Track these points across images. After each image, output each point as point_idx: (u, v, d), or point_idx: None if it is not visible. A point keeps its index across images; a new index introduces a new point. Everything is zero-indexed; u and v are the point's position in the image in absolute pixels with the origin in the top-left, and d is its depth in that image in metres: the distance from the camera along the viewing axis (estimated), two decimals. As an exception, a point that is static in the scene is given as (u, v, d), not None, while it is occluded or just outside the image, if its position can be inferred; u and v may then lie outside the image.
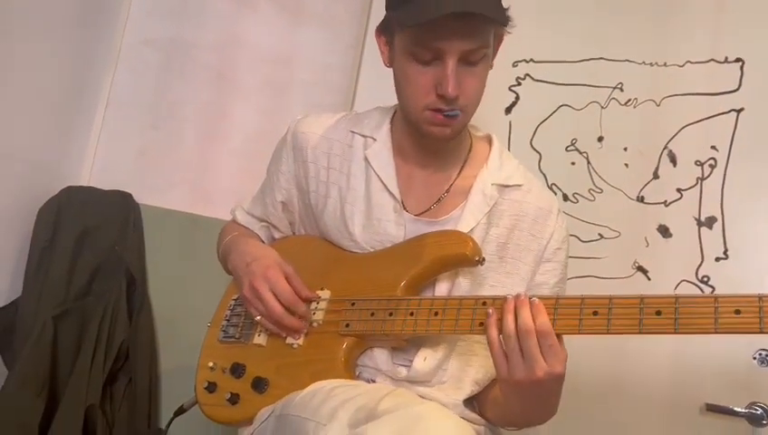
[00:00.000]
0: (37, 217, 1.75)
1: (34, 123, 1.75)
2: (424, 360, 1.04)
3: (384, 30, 1.09)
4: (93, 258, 1.76)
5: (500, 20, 0.99)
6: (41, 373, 1.59)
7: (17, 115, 1.68)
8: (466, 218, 1.08)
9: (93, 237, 1.77)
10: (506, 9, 1.01)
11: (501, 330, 0.92)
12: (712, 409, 1.49)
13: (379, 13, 1.83)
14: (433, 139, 1.07)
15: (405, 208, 1.11)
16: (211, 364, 1.15)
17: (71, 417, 1.58)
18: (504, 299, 0.94)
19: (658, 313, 0.86)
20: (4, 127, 1.64)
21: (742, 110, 1.59)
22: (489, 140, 1.19)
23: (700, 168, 1.61)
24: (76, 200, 1.80)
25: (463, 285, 1.07)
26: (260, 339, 1.12)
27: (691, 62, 1.64)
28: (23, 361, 1.59)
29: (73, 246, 1.73)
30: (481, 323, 0.95)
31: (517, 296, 0.93)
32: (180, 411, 1.25)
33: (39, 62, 1.72)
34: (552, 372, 0.89)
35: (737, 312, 0.82)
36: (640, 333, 0.86)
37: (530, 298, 0.92)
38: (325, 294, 1.11)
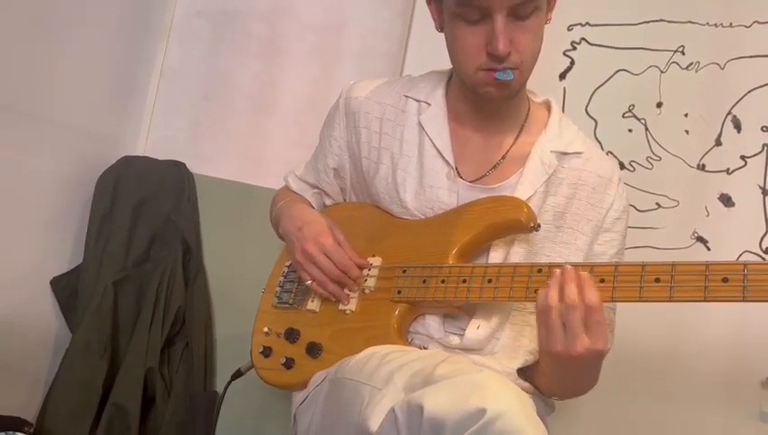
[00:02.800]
0: (96, 185, 1.81)
1: (92, 95, 1.80)
2: (477, 328, 1.04)
3: None
4: (150, 226, 1.80)
5: None
6: (103, 337, 1.65)
7: (75, 88, 1.72)
8: (523, 186, 1.06)
9: (150, 206, 1.81)
10: None
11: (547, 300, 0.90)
12: (773, 383, 1.44)
13: (429, -22, 1.82)
14: (489, 99, 1.04)
15: (459, 175, 1.10)
16: (266, 329, 1.17)
17: (132, 379, 1.64)
18: (552, 272, 0.91)
19: (725, 280, 0.82)
20: (64, 99, 1.69)
21: (813, 72, 1.51)
22: (548, 106, 1.16)
23: (767, 134, 1.53)
24: (133, 170, 1.85)
25: (518, 254, 1.05)
26: (313, 305, 1.13)
27: (759, 23, 1.56)
28: (85, 324, 1.65)
29: (131, 214, 1.78)
30: (536, 291, 0.93)
31: (565, 268, 0.90)
32: (237, 375, 1.28)
33: (94, 36, 1.75)
34: (594, 348, 0.87)
35: (810, 277, 0.78)
36: (705, 300, 0.83)
37: (578, 270, 0.89)
38: (377, 261, 1.11)
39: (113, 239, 1.75)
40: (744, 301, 0.81)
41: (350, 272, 1.09)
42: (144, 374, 1.65)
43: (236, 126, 1.92)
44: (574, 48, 1.68)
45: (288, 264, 1.22)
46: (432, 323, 1.06)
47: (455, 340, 1.05)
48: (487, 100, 1.05)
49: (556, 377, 0.99)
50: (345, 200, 1.25)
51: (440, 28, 1.08)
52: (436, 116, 1.12)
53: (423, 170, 1.10)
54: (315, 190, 1.28)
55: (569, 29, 1.68)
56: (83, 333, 1.66)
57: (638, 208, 1.58)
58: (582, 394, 1.06)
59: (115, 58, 1.85)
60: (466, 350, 1.04)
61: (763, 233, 1.51)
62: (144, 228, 1.79)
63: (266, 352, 1.15)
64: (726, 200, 1.55)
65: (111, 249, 1.75)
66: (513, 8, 0.96)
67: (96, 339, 1.65)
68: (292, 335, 1.13)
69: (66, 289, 1.74)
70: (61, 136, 1.71)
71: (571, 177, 1.08)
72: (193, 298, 1.78)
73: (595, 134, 1.64)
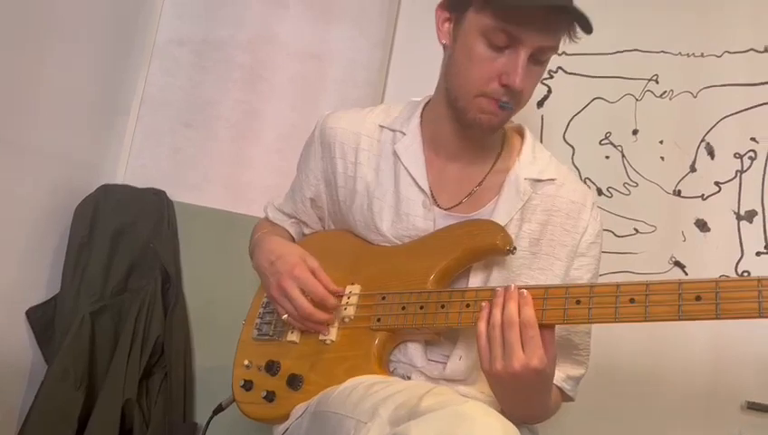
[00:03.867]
0: (74, 214, 1.79)
1: (71, 122, 1.79)
2: (459, 359, 1.04)
3: (452, 5, 1.05)
4: (129, 255, 1.78)
5: (589, 26, 0.97)
6: (79, 367, 1.62)
7: (55, 115, 1.72)
8: (499, 214, 1.07)
9: (129, 235, 1.80)
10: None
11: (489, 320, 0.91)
12: (753, 407, 1.45)
13: (408, 9, 1.85)
14: (477, 127, 1.05)
15: (436, 203, 1.10)
16: (246, 362, 1.15)
17: (109, 410, 1.61)
18: (495, 291, 0.93)
19: (698, 298, 0.82)
20: (43, 126, 1.68)
21: (783, 100, 1.55)
22: (521, 133, 1.18)
23: (739, 160, 1.57)
24: (112, 198, 1.83)
25: (496, 281, 1.05)
26: (293, 336, 1.13)
27: (729, 53, 1.60)
28: (62, 355, 1.62)
29: (110, 243, 1.77)
30: None
31: (507, 288, 0.91)
32: (219, 410, 1.26)
33: (75, 62, 1.75)
34: (529, 364, 0.88)
35: (784, 293, 0.78)
36: (680, 319, 0.83)
37: (519, 289, 0.90)
38: (355, 289, 1.10)
39: (91, 268, 1.73)
40: (717, 318, 0.81)
41: (327, 302, 1.08)
42: (122, 406, 1.62)
43: (218, 154, 1.93)
44: (551, 77, 1.72)
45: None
46: (414, 352, 1.06)
47: (437, 369, 1.04)
48: (474, 127, 1.05)
49: (503, 399, 0.98)
50: (324, 229, 1.25)
51: (448, 40, 1.06)
52: (411, 145, 1.13)
53: (399, 199, 1.11)
54: (293, 220, 1.28)
55: (545, 58, 1.71)
56: (59, 364, 1.62)
57: (617, 234, 1.60)
58: (538, 420, 1.05)
59: (95, 85, 1.85)
60: (449, 380, 1.04)
61: (739, 257, 1.53)
62: (122, 257, 1.78)
63: (247, 385, 1.14)
64: (702, 225, 1.57)
65: (89, 279, 1.72)
66: (537, 50, 0.98)
67: (72, 370, 1.62)
68: (272, 368, 1.12)
69: (42, 319, 1.71)
70: (39, 163, 1.69)
71: (545, 203, 1.09)
72: (172, 328, 1.76)
73: (573, 161, 1.66)
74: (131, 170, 1.94)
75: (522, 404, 0.98)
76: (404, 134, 1.14)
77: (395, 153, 1.13)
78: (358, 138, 1.16)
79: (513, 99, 1.00)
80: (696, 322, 0.83)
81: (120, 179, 1.93)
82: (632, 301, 0.87)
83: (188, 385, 1.75)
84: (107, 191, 1.84)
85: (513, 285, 0.92)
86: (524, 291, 0.90)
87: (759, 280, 0.79)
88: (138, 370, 1.66)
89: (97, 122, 1.88)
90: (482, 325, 0.92)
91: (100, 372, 1.66)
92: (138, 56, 1.96)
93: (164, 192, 1.89)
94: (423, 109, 1.17)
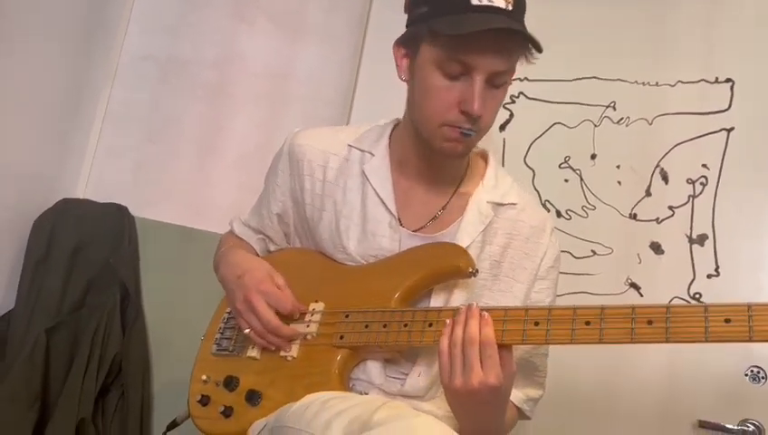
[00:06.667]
0: (32, 229, 1.76)
1: (32, 136, 1.76)
2: (418, 376, 1.05)
3: (406, 42, 1.08)
4: (88, 271, 1.76)
5: (537, 45, 1.00)
6: (33, 387, 1.58)
7: (15, 127, 1.69)
8: (462, 236, 1.09)
9: (88, 250, 1.77)
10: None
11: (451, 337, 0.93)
12: (704, 425, 1.49)
13: (375, 29, 1.88)
14: (443, 155, 1.07)
15: (401, 224, 1.12)
16: (204, 377, 1.14)
17: (62, 431, 1.57)
18: (457, 310, 0.95)
19: (650, 322, 0.86)
20: (2, 139, 1.65)
21: (732, 129, 1.62)
22: (485, 157, 1.20)
23: (692, 186, 1.63)
24: (72, 213, 1.80)
25: (458, 301, 1.07)
26: (253, 352, 1.12)
27: (682, 82, 1.67)
28: (14, 374, 1.58)
29: (68, 258, 1.73)
30: None
31: (469, 307, 0.94)
32: (173, 425, 1.24)
33: (38, 76, 1.73)
34: (487, 381, 0.90)
35: (727, 320, 0.82)
36: (632, 342, 0.86)
37: (481, 310, 0.93)
38: (319, 306, 1.11)
39: (48, 284, 1.70)
40: (666, 342, 0.85)
41: (292, 318, 1.08)
42: (76, 425, 1.58)
43: (180, 169, 1.92)
44: (513, 102, 1.76)
45: (228, 310, 1.21)
46: (373, 369, 1.07)
47: (396, 386, 1.05)
48: (442, 154, 1.07)
49: (460, 415, 0.99)
50: (289, 245, 1.26)
51: (406, 76, 1.09)
52: (379, 166, 1.15)
53: (366, 218, 1.12)
54: (260, 236, 1.28)
55: (508, 83, 1.76)
56: (10, 384, 1.58)
57: (574, 255, 1.65)
58: None
59: (58, 99, 1.83)
60: (407, 397, 1.05)
61: (691, 279, 1.58)
62: (81, 273, 1.75)
63: (204, 400, 1.13)
64: (657, 248, 1.62)
65: (45, 295, 1.69)
66: (492, 75, 1.00)
67: (25, 389, 1.58)
68: (231, 383, 1.11)
69: (-5, 336, 1.67)
70: (-4, 176, 1.66)
71: (505, 227, 1.12)
72: (130, 345, 1.73)
73: (533, 183, 1.71)
74: (93, 185, 1.92)
75: (478, 420, 0.99)
76: (372, 155, 1.16)
77: (363, 173, 1.15)
78: (326, 156, 1.18)
79: (475, 125, 1.03)
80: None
81: (80, 194, 1.91)
82: (588, 323, 0.90)
83: (146, 403, 1.72)
84: (66, 206, 1.82)
85: (474, 304, 0.94)
86: (485, 313, 0.93)
87: (706, 307, 0.84)
88: (94, 388, 1.63)
89: (59, 136, 1.86)
90: (444, 341, 0.94)
91: (54, 390, 1.62)
92: (102, 70, 1.95)
93: (126, 207, 1.87)
94: (392, 131, 1.19)
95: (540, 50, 1.01)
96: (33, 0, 1.64)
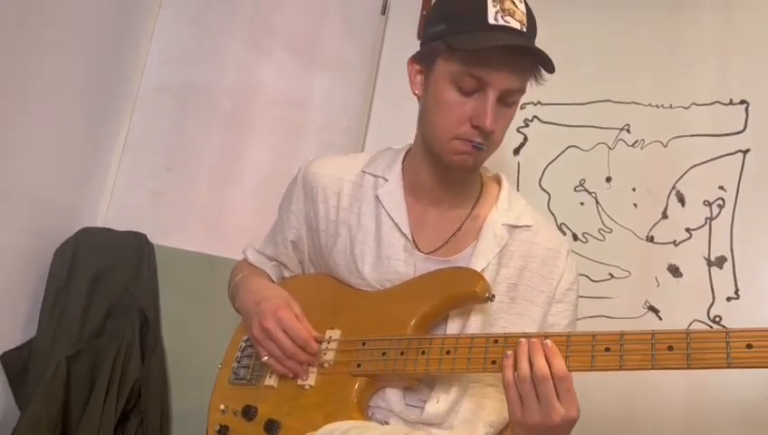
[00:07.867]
0: (53, 257, 1.78)
1: (53, 166, 1.79)
2: (437, 402, 1.04)
3: (422, 57, 1.10)
4: (107, 299, 1.77)
5: (551, 65, 1.02)
6: (53, 414, 1.59)
7: (37, 158, 1.72)
8: (477, 258, 1.09)
9: (108, 278, 1.79)
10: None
11: (516, 372, 0.91)
12: (727, 452, 1.47)
13: (389, 58, 1.91)
14: (454, 169, 1.08)
15: (417, 247, 1.12)
16: (222, 407, 1.15)
17: (82, 458, 1.57)
18: (518, 342, 0.93)
19: (670, 348, 0.85)
20: (24, 169, 1.68)
21: (748, 150, 1.60)
22: (498, 181, 1.21)
23: (709, 208, 1.62)
24: (92, 241, 1.83)
25: (474, 325, 1.07)
26: (271, 380, 1.12)
27: (696, 105, 1.67)
28: (35, 401, 1.59)
29: (88, 286, 1.75)
30: (494, 362, 0.95)
31: (530, 339, 0.92)
32: (193, 454, 1.24)
33: (58, 107, 1.77)
34: (568, 416, 0.89)
35: (749, 346, 0.81)
36: (653, 368, 0.85)
37: (542, 340, 0.91)
38: (336, 333, 1.11)
39: (68, 312, 1.72)
40: (688, 368, 0.84)
41: (309, 347, 1.09)
42: (95, 453, 1.59)
43: (199, 197, 1.94)
44: (527, 125, 1.77)
45: (245, 338, 1.21)
46: (392, 397, 1.06)
47: (415, 413, 1.05)
48: (452, 169, 1.09)
49: None
50: (304, 272, 1.26)
51: (420, 91, 1.11)
52: (392, 191, 1.16)
53: (380, 243, 1.13)
54: (274, 263, 1.29)
55: (522, 107, 1.76)
56: (33, 410, 1.59)
57: (592, 278, 1.64)
58: None
59: (79, 130, 1.86)
60: (427, 424, 1.04)
61: (711, 302, 1.56)
62: (101, 301, 1.76)
63: (223, 430, 1.13)
64: (675, 271, 1.61)
65: (66, 323, 1.70)
66: (505, 92, 1.02)
67: (46, 416, 1.58)
68: (249, 413, 1.11)
69: (17, 364, 1.68)
70: (18, 206, 1.69)
71: (521, 249, 1.12)
72: (149, 372, 1.73)
73: (549, 207, 1.70)
74: (112, 213, 1.95)
75: None
76: (386, 180, 1.17)
77: (377, 198, 1.16)
78: (341, 183, 1.19)
79: (486, 140, 1.04)
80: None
81: (100, 222, 1.93)
82: (607, 350, 0.89)
83: (165, 430, 1.72)
84: (86, 234, 1.84)
85: (533, 338, 0.92)
86: (548, 342, 0.91)
87: (727, 332, 0.83)
88: (113, 415, 1.64)
89: (79, 166, 1.89)
90: (509, 375, 0.92)
91: (74, 417, 1.63)
92: (122, 100, 1.98)
93: (145, 235, 1.89)
94: (404, 156, 1.20)
95: (553, 70, 1.03)
96: (53, 30, 1.68)
